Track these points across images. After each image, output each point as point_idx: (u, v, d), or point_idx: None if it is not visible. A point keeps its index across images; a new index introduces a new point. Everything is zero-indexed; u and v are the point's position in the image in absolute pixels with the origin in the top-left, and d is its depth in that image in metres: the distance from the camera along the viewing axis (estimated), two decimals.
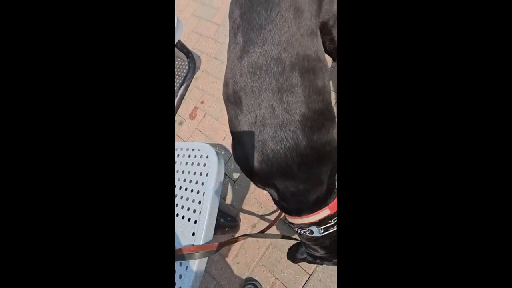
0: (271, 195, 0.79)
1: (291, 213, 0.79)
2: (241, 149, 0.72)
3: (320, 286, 1.09)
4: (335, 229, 0.76)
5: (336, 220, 0.76)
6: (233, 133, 0.74)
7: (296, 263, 0.87)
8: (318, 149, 0.66)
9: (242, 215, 1.32)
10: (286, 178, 0.69)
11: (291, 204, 0.75)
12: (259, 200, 1.31)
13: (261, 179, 0.74)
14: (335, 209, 0.75)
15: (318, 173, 0.69)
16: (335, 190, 0.79)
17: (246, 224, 1.30)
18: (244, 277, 1.23)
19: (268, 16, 0.65)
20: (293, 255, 0.88)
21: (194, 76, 1.76)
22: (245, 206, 1.33)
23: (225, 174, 1.44)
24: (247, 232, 1.28)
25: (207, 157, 0.90)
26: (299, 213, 0.76)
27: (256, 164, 0.70)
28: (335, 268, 1.08)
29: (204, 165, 0.90)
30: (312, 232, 0.77)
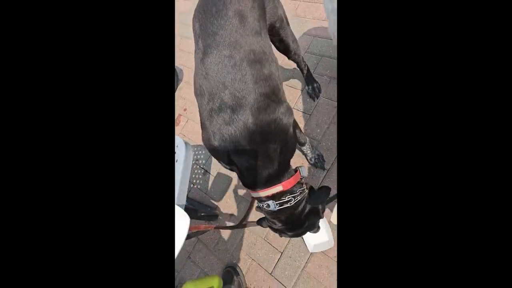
0: (236, 173, 0.91)
1: (249, 187, 0.91)
2: (206, 132, 0.85)
3: (290, 262, 1.18)
4: (289, 205, 0.87)
5: (289, 198, 0.88)
6: (201, 121, 0.88)
7: (264, 227, 1.00)
8: (264, 126, 0.79)
9: (222, 207, 1.44)
10: (240, 155, 0.82)
11: (247, 178, 0.87)
12: (237, 192, 1.44)
13: (222, 157, 0.87)
14: (288, 187, 0.88)
15: (266, 149, 0.82)
16: (290, 171, 0.91)
17: (225, 213, 1.41)
18: (224, 262, 1.33)
19: (219, 24, 0.82)
20: (261, 223, 1.00)
21: (178, 87, 1.94)
22: (225, 197, 1.45)
23: (206, 170, 1.57)
24: (226, 220, 1.40)
25: (177, 146, 1.05)
26: (254, 187, 0.89)
27: (216, 143, 0.83)
28: (303, 245, 1.18)
29: (175, 152, 1.04)
30: (269, 205, 0.88)
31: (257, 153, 0.81)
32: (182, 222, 0.72)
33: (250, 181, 0.88)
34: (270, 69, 0.84)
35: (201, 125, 0.88)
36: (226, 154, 0.83)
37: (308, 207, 0.93)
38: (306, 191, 0.94)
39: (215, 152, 0.86)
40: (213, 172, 1.54)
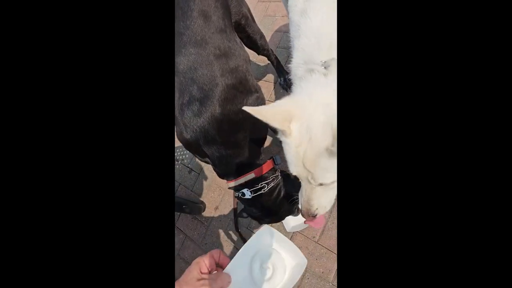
0: (211, 165, 0.94)
1: (223, 177, 0.94)
2: (178, 127, 0.89)
3: None
4: (263, 192, 0.89)
5: (262, 185, 0.90)
6: (175, 116, 0.91)
7: (240, 216, 1.03)
8: (231, 116, 0.82)
9: (207, 201, 1.47)
10: (210, 145, 0.84)
11: (220, 168, 0.90)
12: (220, 185, 1.47)
13: (195, 149, 0.90)
14: (259, 174, 0.89)
15: (235, 139, 0.85)
16: (262, 158, 0.94)
17: (210, 207, 1.44)
18: None
19: (185, 25, 0.87)
20: (241, 214, 1.03)
21: None
22: (208, 192, 1.48)
23: (191, 169, 1.61)
24: (212, 213, 1.43)
25: None
26: (228, 176, 0.91)
27: (188, 136, 0.87)
28: (283, 229, 1.20)
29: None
30: (244, 194, 0.90)
31: (226, 143, 0.84)
32: (300, 264, 0.75)
33: (223, 170, 0.90)
34: (236, 62, 0.88)
35: (175, 121, 0.90)
36: (198, 146, 0.86)
37: (282, 193, 0.94)
38: (280, 177, 0.96)
39: (188, 145, 0.89)
40: (198, 170, 1.58)
